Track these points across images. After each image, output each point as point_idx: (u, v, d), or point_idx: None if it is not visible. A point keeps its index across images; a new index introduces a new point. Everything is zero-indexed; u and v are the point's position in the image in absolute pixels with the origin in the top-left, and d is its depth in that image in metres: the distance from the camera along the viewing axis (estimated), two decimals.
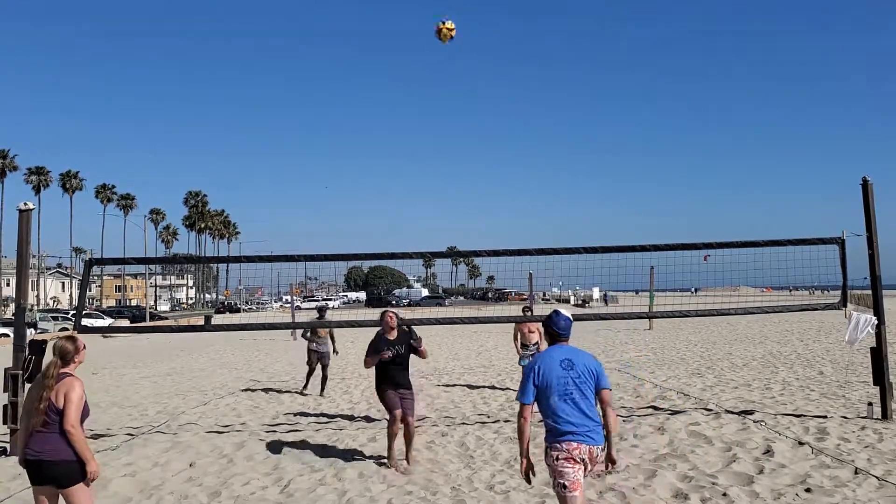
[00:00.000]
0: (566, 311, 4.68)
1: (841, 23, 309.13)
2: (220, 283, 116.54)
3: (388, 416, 7.46)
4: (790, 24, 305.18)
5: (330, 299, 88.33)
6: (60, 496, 4.39)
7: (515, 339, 12.44)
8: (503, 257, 10.50)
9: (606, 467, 4.44)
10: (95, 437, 9.29)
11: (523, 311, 13.04)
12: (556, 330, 4.58)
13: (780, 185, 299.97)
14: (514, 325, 12.63)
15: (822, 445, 7.43)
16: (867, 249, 9.13)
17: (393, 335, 7.44)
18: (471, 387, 13.15)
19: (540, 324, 12.05)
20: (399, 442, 7.36)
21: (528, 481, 4.48)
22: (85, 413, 4.42)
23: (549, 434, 4.32)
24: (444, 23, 8.58)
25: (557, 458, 4.22)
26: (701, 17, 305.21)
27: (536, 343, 12.36)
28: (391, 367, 7.36)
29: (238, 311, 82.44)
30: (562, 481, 4.20)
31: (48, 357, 4.90)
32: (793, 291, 65.46)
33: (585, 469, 4.26)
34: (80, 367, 4.59)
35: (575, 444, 4.21)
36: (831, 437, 7.77)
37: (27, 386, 8.34)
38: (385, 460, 7.34)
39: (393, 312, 7.62)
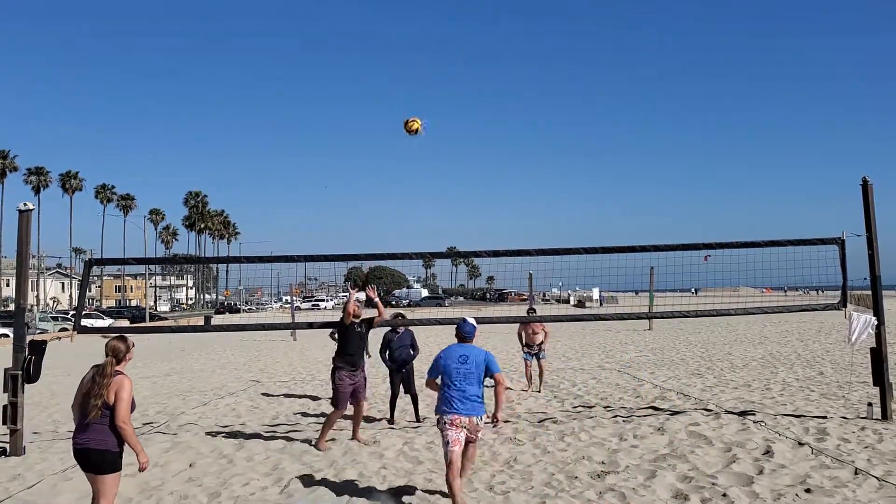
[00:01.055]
0: (471, 320, 6.27)
1: (841, 23, 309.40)
2: (220, 283, 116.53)
3: (336, 406, 8.26)
4: (790, 24, 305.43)
5: (322, 300, 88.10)
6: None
7: (520, 338, 12.69)
8: (503, 258, 10.50)
9: (493, 423, 5.96)
10: None
11: (528, 312, 13.04)
12: (462, 333, 6.11)
13: (780, 185, 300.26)
14: (518, 324, 12.75)
15: (822, 446, 7.43)
16: (867, 250, 9.13)
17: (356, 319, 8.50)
18: None
19: (545, 324, 12.20)
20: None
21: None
22: (132, 407, 4.86)
23: (442, 405, 5.82)
24: (412, 122, 8.73)
25: (444, 423, 5.76)
26: (701, 17, 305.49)
27: (541, 343, 12.43)
28: (355, 339, 8.29)
29: (238, 311, 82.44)
30: (446, 439, 5.71)
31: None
32: (787, 292, 65.55)
33: (468, 433, 5.78)
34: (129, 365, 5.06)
35: (456, 417, 5.70)
36: (831, 438, 7.77)
37: (27, 386, 8.36)
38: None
39: (359, 303, 8.65)
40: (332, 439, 8.35)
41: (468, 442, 5.92)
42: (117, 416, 4.68)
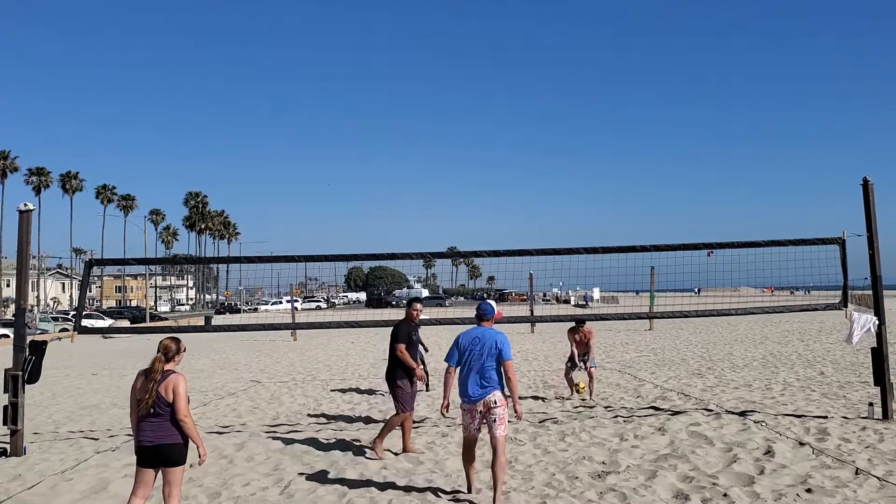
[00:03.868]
0: (492, 302, 6.43)
1: (841, 23, 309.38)
2: (221, 283, 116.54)
3: (401, 411, 7.74)
4: (790, 23, 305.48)
5: (278, 302, 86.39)
6: (156, 477, 5.13)
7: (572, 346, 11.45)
8: (503, 258, 10.48)
9: (517, 416, 6.04)
10: (94, 439, 9.30)
11: (577, 323, 11.49)
12: (480, 312, 6.19)
13: (780, 185, 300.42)
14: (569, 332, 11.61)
15: (823, 446, 7.42)
16: (868, 250, 9.12)
17: (415, 321, 8.12)
18: None
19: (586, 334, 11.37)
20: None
21: (443, 415, 6.40)
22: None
23: (460, 390, 5.98)
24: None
25: (462, 408, 6.04)
26: (701, 17, 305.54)
27: (584, 353, 11.25)
28: (410, 349, 7.83)
29: (238, 311, 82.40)
30: (463, 424, 6.06)
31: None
32: (774, 292, 65.50)
33: (485, 412, 5.86)
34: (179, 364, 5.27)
35: (472, 404, 5.89)
36: (832, 438, 7.76)
37: (27, 387, 8.36)
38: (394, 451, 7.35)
39: (420, 306, 8.21)
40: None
41: (493, 438, 5.82)
42: (178, 411, 4.97)
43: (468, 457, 6.07)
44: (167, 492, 5.08)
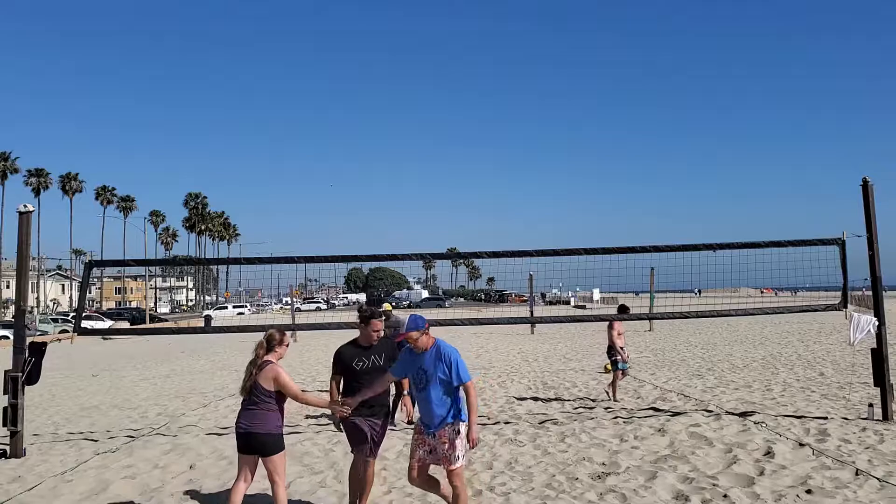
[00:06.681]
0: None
1: (841, 23, 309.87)
2: (220, 284, 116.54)
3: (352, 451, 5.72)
4: (791, 23, 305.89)
5: (224, 307, 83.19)
6: (259, 464, 5.17)
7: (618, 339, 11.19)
8: (503, 259, 10.48)
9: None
10: (94, 440, 9.29)
11: (620, 309, 11.38)
12: (425, 326, 5.30)
13: (780, 185, 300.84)
14: (616, 324, 11.23)
15: (823, 447, 7.41)
16: (867, 250, 9.12)
17: (371, 342, 5.64)
18: None
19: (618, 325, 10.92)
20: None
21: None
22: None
23: (461, 412, 5.13)
24: None
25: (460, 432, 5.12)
26: (700, 17, 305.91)
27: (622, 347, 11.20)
28: (363, 379, 5.50)
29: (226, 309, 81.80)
30: (462, 452, 5.14)
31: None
32: (764, 292, 65.95)
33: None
34: (282, 358, 5.41)
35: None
36: (832, 439, 7.76)
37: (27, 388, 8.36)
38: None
39: (381, 322, 5.72)
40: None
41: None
42: (293, 397, 5.18)
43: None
44: (271, 479, 5.17)
